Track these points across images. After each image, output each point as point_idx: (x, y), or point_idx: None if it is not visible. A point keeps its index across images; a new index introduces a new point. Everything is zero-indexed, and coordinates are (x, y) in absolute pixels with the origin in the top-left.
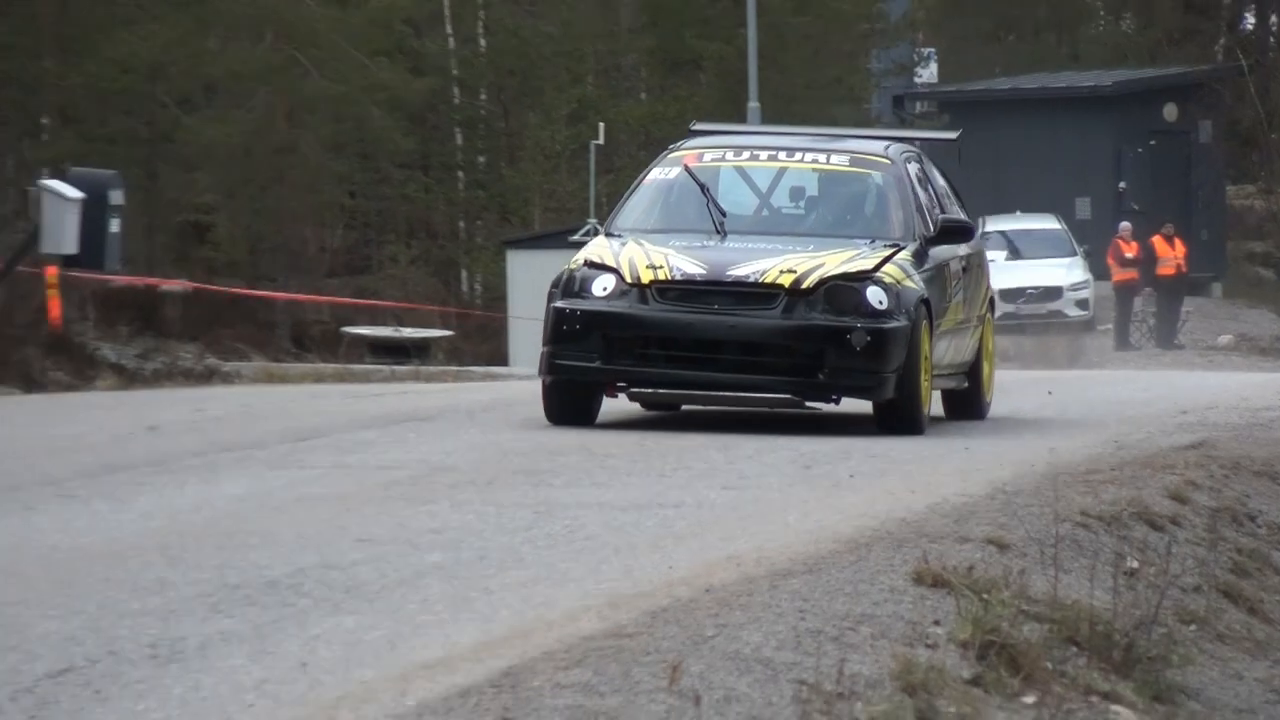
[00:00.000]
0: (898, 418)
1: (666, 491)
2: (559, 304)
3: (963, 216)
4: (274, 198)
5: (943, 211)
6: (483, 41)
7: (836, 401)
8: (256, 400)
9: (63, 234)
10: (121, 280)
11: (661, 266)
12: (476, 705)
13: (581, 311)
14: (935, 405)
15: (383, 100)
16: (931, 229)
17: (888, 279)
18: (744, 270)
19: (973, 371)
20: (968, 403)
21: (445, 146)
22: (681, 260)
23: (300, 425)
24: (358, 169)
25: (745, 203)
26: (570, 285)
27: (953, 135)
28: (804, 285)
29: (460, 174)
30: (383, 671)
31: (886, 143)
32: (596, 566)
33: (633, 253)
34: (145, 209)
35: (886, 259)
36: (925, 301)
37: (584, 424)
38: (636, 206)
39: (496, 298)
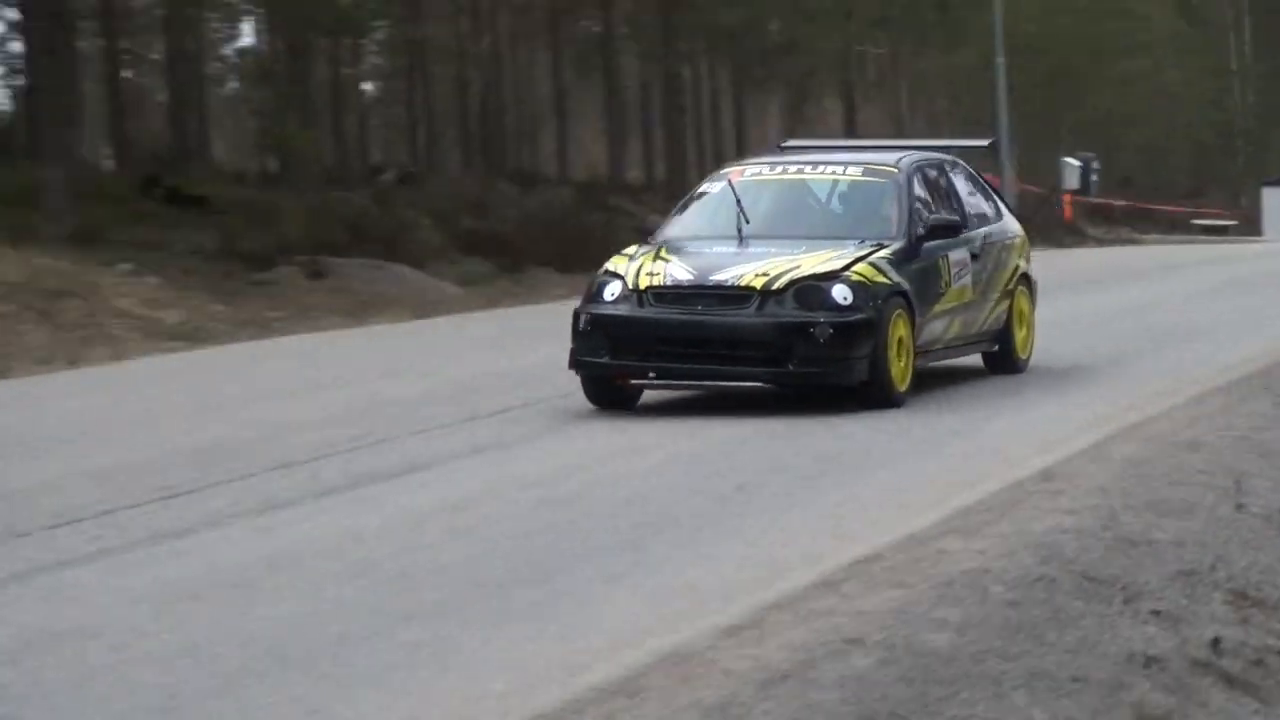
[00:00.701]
0: (872, 396)
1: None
2: (578, 308)
3: (951, 216)
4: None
5: (963, 210)
6: None
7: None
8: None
9: (1071, 181)
10: (1093, 200)
11: (657, 274)
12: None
13: (592, 315)
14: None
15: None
16: (924, 228)
17: (855, 277)
18: (725, 275)
19: (1003, 337)
20: (1003, 362)
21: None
22: (676, 268)
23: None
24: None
25: (769, 211)
26: (590, 291)
27: (984, 142)
28: (774, 286)
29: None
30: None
31: (901, 154)
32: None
33: (642, 262)
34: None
35: (861, 258)
36: (902, 293)
37: (624, 409)
38: (683, 217)
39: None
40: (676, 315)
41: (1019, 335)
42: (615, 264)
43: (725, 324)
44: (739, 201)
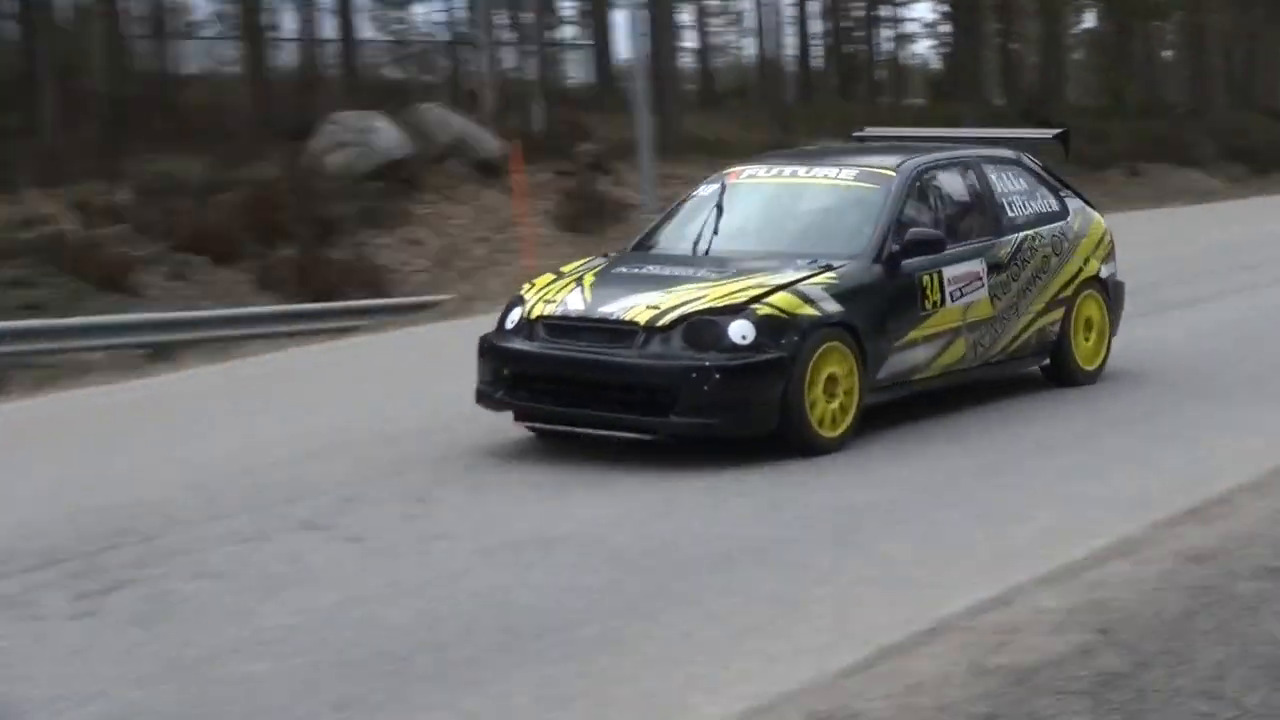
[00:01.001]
0: (790, 443)
1: None
2: (483, 334)
3: (931, 232)
4: None
5: (996, 214)
6: None
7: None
8: None
9: None
10: None
11: (553, 302)
12: None
13: (489, 344)
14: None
15: None
16: (899, 244)
17: (765, 310)
18: (614, 307)
19: (1057, 348)
20: (1058, 373)
21: None
22: (577, 295)
23: None
24: None
25: (743, 223)
26: (500, 316)
27: (1049, 134)
28: (661, 323)
29: None
30: None
31: (905, 156)
32: None
33: (551, 286)
34: None
35: (788, 285)
36: (839, 324)
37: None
38: (662, 226)
39: None
40: (555, 351)
41: (1083, 345)
42: (527, 286)
43: (601, 364)
44: (719, 210)
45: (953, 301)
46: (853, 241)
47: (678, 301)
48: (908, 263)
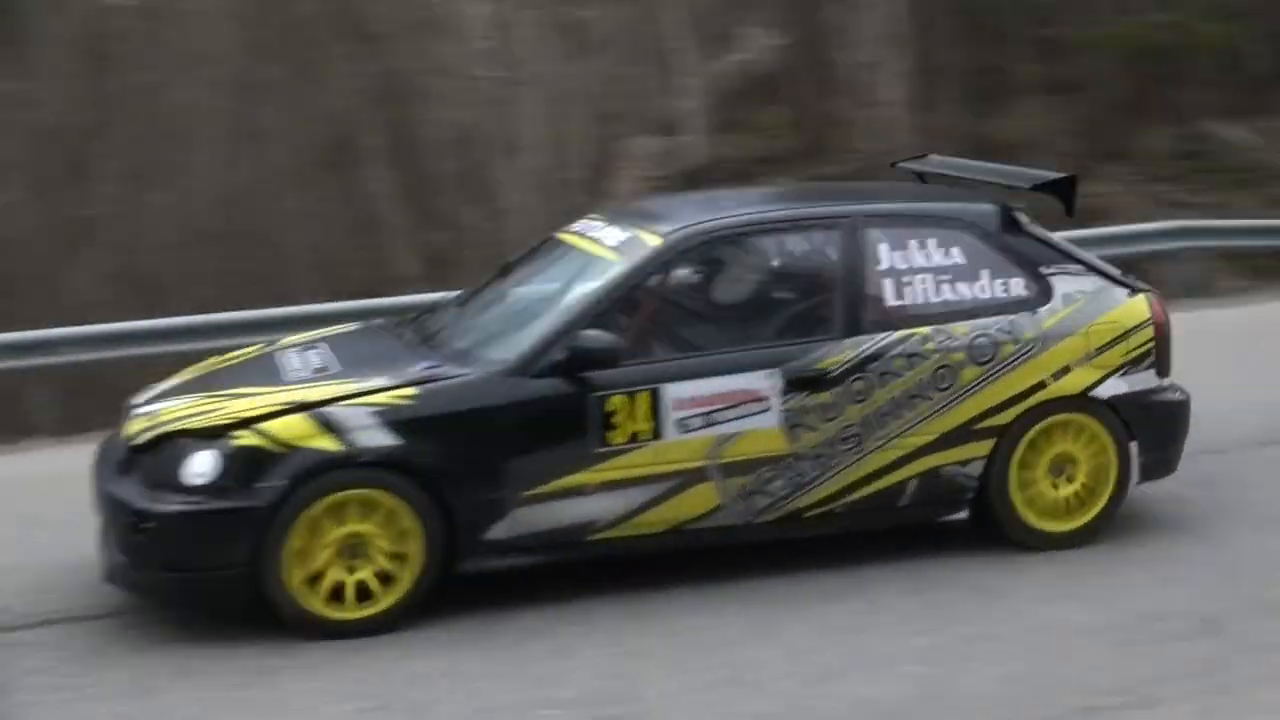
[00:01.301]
0: (274, 613)
1: None
2: None
3: (601, 336)
4: None
5: (842, 307)
6: None
7: None
8: None
9: None
10: None
11: (158, 385)
12: None
13: None
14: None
15: None
16: (565, 352)
17: (246, 440)
18: (147, 408)
19: (981, 500)
20: (996, 531)
21: None
22: (174, 381)
23: None
24: None
25: (490, 298)
26: None
27: (1024, 184)
28: (141, 440)
29: None
30: None
31: (694, 219)
32: None
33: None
34: None
35: (311, 405)
36: (383, 463)
37: None
38: (476, 293)
39: None
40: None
41: (1045, 495)
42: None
43: (97, 481)
44: (499, 275)
45: (684, 432)
46: (512, 342)
47: (183, 414)
48: (597, 376)
